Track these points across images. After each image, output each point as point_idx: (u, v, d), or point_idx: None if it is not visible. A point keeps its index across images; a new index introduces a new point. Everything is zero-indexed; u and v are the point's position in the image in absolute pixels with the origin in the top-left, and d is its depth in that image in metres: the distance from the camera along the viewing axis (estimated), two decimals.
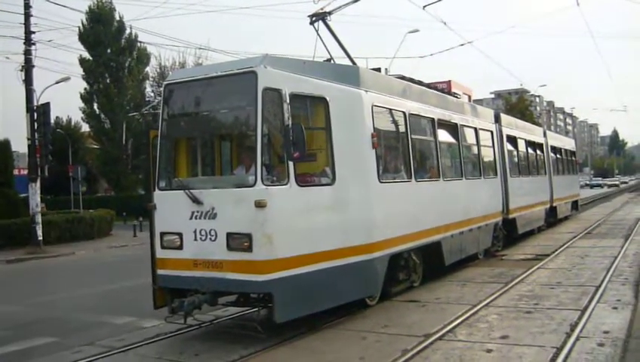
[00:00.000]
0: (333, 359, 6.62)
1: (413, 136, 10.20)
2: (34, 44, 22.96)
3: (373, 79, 9.30)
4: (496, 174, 14.96)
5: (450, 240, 11.34)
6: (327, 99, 7.94)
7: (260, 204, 6.94)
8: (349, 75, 8.75)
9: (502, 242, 15.48)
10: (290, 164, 7.20)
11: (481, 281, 10.92)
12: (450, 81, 48.63)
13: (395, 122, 9.93)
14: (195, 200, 7.35)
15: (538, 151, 20.26)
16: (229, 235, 7.16)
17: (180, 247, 7.57)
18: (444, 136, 11.81)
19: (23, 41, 22.91)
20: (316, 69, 8.15)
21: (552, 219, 21.63)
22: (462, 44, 21.87)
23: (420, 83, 11.90)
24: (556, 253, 14.33)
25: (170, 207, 7.68)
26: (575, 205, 27.11)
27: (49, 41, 26.59)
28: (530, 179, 18.45)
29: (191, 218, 7.41)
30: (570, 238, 17.30)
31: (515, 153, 17.17)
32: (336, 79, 8.34)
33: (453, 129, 12.38)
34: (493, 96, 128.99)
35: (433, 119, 11.23)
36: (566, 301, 8.78)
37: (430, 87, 12.55)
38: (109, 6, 45.27)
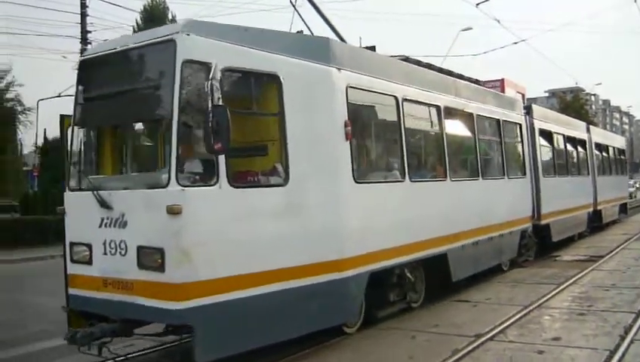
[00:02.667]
0: (381, 358, 6.52)
1: (408, 127, 8.40)
2: (90, 43, 23.14)
3: (349, 55, 7.54)
4: (524, 174, 12.92)
5: (459, 251, 9.48)
6: (280, 76, 6.27)
7: (172, 211, 5.34)
8: (316, 48, 7.00)
9: (533, 251, 13.46)
10: (221, 159, 5.58)
11: (533, 282, 10.65)
12: (503, 80, 46.46)
13: (382, 109, 8.17)
14: (103, 204, 5.83)
15: (580, 149, 17.99)
16: (139, 249, 5.61)
17: (90, 262, 6.07)
18: (454, 127, 9.93)
19: (79, 40, 23.65)
20: (267, 39, 6.47)
21: (597, 223, 19.32)
22: (515, 43, 21.86)
23: (440, 70, 10.11)
24: (610, 254, 13.76)
25: (80, 212, 6.17)
26: (624, 208, 24.54)
27: (104, 40, 26.76)
28: (569, 180, 16.25)
29: (100, 226, 5.89)
30: (623, 240, 16.40)
31: (550, 150, 15.02)
32: (297, 53, 6.64)
33: (468, 119, 10.48)
34: (547, 94, 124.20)
35: (439, 107, 9.37)
36: (620, 303, 8.52)
37: (463, 79, 10.76)
38: (162, 5, 45.35)
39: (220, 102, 5.54)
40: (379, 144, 8.31)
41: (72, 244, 6.25)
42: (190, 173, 5.57)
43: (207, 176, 5.62)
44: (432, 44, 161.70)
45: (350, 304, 7.11)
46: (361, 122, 7.67)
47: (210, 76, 5.52)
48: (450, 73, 10.57)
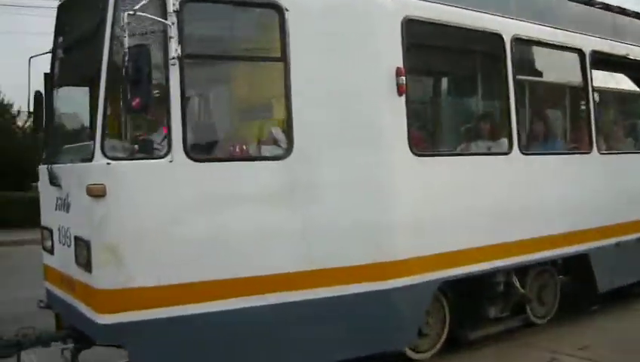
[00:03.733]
0: None
1: (521, 77, 5.95)
2: None
3: None
4: None
5: (609, 251, 6.77)
6: (282, 6, 4.45)
7: (92, 192, 3.92)
8: None
9: None
10: (176, 121, 4.01)
11: None
12: None
13: (471, 51, 5.86)
14: (52, 181, 4.64)
15: None
16: (75, 240, 4.33)
17: (52, 251, 4.97)
18: (607, 81, 7.10)
19: None
20: None
21: None
22: None
23: None
24: None
25: (46, 190, 5.05)
26: None
27: None
28: None
29: (55, 208, 4.72)
30: None
31: None
32: None
33: (636, 70, 7.49)
34: None
35: (582, 51, 6.66)
36: None
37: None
38: None
39: (179, 49, 3.96)
40: (464, 100, 6.01)
41: (41, 228, 5.20)
42: (128, 141, 4.09)
43: (155, 146, 4.10)
44: None
45: (403, 324, 5.07)
46: (434, 69, 5.50)
47: (167, 9, 3.96)
48: (605, 5, 7.57)
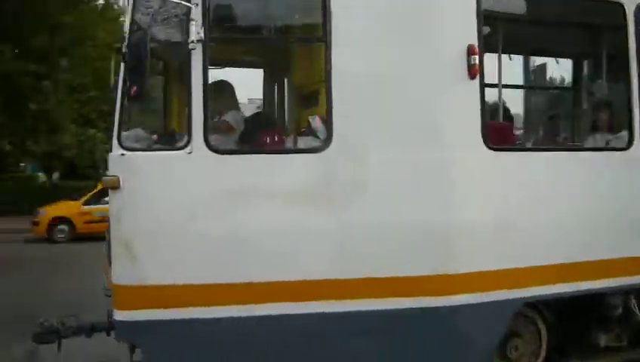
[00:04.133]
0: None
1: None
2: None
3: None
4: None
5: None
6: None
7: (107, 184, 3.80)
8: None
9: None
10: (197, 110, 3.74)
11: None
12: None
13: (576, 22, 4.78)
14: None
15: None
16: (105, 232, 4.29)
17: None
18: None
19: None
20: None
21: None
22: None
23: None
24: None
25: None
26: None
27: None
28: None
29: None
30: None
31: None
32: None
33: None
34: None
35: None
36: None
37: None
38: None
39: (201, 32, 3.69)
40: (566, 85, 4.95)
41: None
42: (147, 131, 3.90)
43: (175, 137, 3.87)
44: None
45: (468, 351, 4.31)
46: (520, 46, 4.59)
47: None
48: None
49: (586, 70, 5.07)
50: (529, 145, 4.90)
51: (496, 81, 4.58)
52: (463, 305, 4.14)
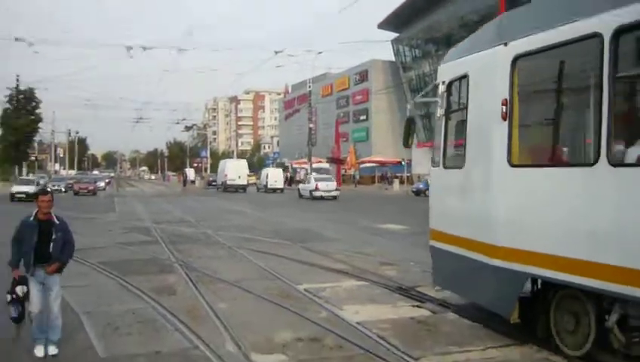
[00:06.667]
0: None
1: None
2: None
3: (523, 17, 6.04)
4: None
5: None
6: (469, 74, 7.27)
7: None
8: (486, 33, 6.69)
9: None
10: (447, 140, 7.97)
11: None
12: None
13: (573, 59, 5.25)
14: None
15: None
16: None
17: None
18: None
19: None
20: None
21: None
22: None
23: None
24: None
25: None
26: None
27: None
28: None
29: None
30: None
31: None
32: (484, 45, 6.95)
33: None
34: None
35: None
36: None
37: None
38: None
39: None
40: (560, 112, 5.18)
41: None
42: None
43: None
44: None
45: (501, 300, 6.46)
46: (538, 92, 5.86)
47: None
48: None
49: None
50: (537, 162, 5.51)
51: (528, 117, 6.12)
52: (497, 266, 6.46)
